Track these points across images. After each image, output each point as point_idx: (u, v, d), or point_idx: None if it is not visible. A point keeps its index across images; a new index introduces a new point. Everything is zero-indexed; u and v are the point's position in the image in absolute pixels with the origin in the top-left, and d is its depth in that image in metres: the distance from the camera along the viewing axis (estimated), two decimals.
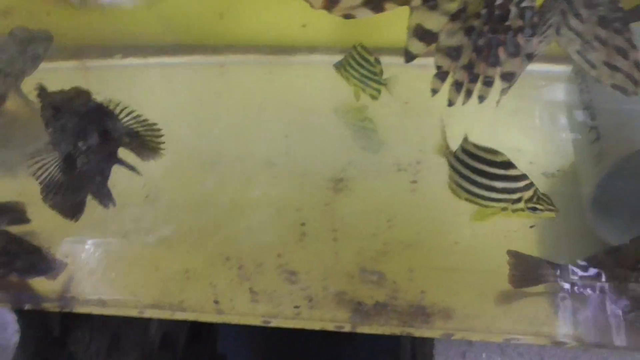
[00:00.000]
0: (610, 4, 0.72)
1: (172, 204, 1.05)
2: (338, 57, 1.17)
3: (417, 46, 0.72)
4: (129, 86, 1.22)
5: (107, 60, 1.25)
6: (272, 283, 0.96)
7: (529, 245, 1.02)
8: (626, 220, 0.94)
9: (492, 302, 0.96)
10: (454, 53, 0.74)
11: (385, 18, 0.74)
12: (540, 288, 0.95)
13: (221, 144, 1.15)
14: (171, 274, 0.97)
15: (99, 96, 1.19)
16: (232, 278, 0.97)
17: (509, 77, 0.75)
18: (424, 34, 0.72)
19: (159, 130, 0.84)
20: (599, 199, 0.92)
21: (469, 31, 0.74)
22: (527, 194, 0.83)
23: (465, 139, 0.87)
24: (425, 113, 1.19)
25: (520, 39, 0.73)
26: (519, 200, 0.83)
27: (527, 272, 0.93)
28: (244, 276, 0.97)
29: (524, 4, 0.72)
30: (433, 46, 0.74)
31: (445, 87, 0.79)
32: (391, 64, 1.21)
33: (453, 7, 0.72)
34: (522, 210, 0.84)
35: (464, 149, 0.87)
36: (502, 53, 0.74)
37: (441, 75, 0.76)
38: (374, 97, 1.14)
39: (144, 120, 0.83)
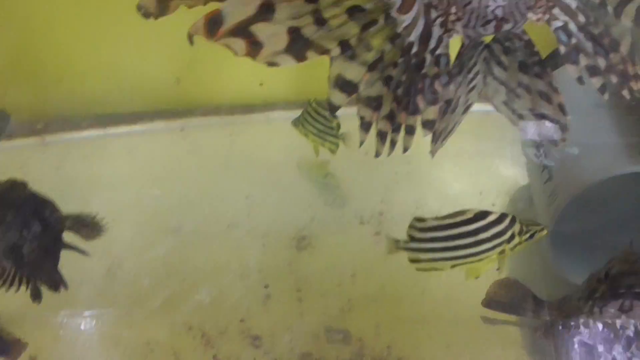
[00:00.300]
0: (525, 48, 0.72)
1: (133, 276, 1.04)
2: (298, 113, 1.17)
3: (339, 97, 0.72)
4: (90, 158, 1.22)
5: (67, 134, 1.25)
6: (236, 349, 0.95)
7: None
8: (584, 257, 0.93)
9: (461, 352, 0.94)
10: (374, 103, 0.74)
11: None
12: (512, 322, 0.94)
13: (183, 209, 1.14)
14: (133, 347, 0.96)
15: (59, 171, 1.20)
16: (196, 347, 0.96)
17: (429, 125, 0.74)
18: (345, 85, 0.71)
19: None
20: (556, 239, 0.92)
21: (387, 81, 0.73)
22: (517, 228, 0.83)
23: (418, 219, 0.86)
24: (385, 163, 1.18)
25: (438, 85, 0.73)
26: (512, 237, 0.83)
27: (507, 297, 0.92)
28: (207, 344, 0.96)
29: (438, 51, 0.72)
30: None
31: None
32: (352, 115, 1.21)
33: (370, 56, 0.72)
34: (520, 243, 0.84)
35: (424, 228, 0.86)
36: (420, 101, 0.73)
37: (365, 126, 0.75)
38: (332, 151, 1.13)
39: None
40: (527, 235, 0.84)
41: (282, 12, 0.67)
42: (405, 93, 0.73)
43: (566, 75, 0.74)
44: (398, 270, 1.03)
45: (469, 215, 0.83)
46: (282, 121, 1.29)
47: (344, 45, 0.70)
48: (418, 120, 0.73)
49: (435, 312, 0.98)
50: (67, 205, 1.10)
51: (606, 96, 0.70)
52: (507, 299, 0.92)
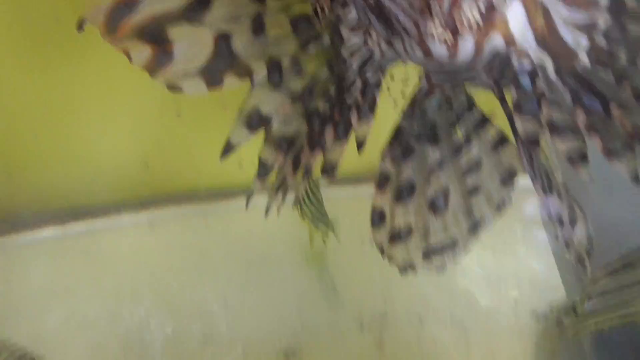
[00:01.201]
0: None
1: None
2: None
3: (241, 135, 0.60)
4: (44, 264, 1.06)
5: (18, 235, 1.09)
6: None
7: None
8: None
9: None
10: (285, 145, 0.60)
11: None
12: None
13: (151, 322, 0.98)
14: None
15: (7, 283, 1.04)
16: None
17: (331, 171, 0.58)
18: (257, 119, 0.58)
19: None
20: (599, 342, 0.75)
21: (311, 116, 0.59)
22: None
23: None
24: None
25: (353, 118, 0.57)
26: None
27: None
28: None
29: (369, 76, 0.57)
30: None
31: None
32: (340, 197, 1.05)
33: (300, 84, 0.58)
34: None
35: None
36: (329, 135, 0.58)
37: (263, 171, 0.62)
38: (323, 240, 0.99)
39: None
40: None
41: (220, 7, 0.55)
42: (321, 127, 0.59)
43: None
44: None
45: None
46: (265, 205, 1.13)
47: (274, 66, 0.57)
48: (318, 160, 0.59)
49: None
50: (14, 328, 0.95)
51: (585, 173, 0.50)
52: None
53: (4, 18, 1.00)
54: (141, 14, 0.53)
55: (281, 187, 0.64)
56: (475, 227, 0.62)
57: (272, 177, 0.67)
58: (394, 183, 0.62)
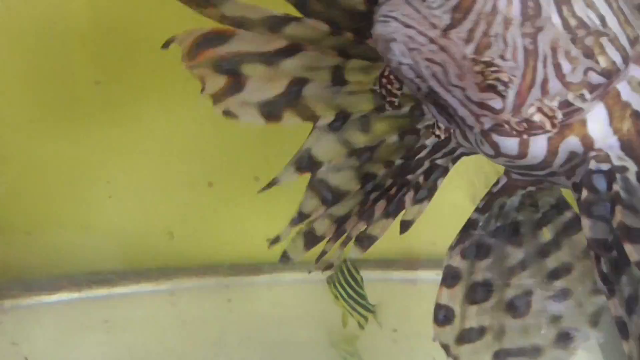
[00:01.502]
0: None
1: None
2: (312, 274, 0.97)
3: (288, 174, 0.58)
4: (56, 331, 1.01)
5: (32, 298, 1.04)
6: None
7: None
8: None
9: None
10: (329, 195, 0.59)
11: None
12: None
13: None
14: None
15: (15, 348, 0.98)
16: None
17: (367, 242, 0.59)
18: (307, 162, 0.58)
19: None
20: None
21: (366, 178, 0.58)
22: None
23: None
24: (416, 342, 0.97)
25: (408, 198, 0.57)
26: None
27: None
28: None
29: (438, 162, 0.56)
30: None
31: None
32: (370, 280, 0.99)
33: (361, 139, 0.57)
34: None
35: None
36: (379, 209, 0.57)
37: (297, 219, 0.60)
38: (361, 326, 0.94)
39: None
40: None
41: (302, 58, 0.55)
42: (375, 197, 0.58)
43: None
44: None
45: None
46: (293, 283, 1.09)
47: (342, 116, 0.57)
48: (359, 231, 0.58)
49: None
50: None
51: None
52: None
53: (46, 82, 0.99)
54: (226, 48, 0.54)
55: (311, 241, 0.63)
56: (564, 339, 0.56)
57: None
58: (465, 281, 0.58)
